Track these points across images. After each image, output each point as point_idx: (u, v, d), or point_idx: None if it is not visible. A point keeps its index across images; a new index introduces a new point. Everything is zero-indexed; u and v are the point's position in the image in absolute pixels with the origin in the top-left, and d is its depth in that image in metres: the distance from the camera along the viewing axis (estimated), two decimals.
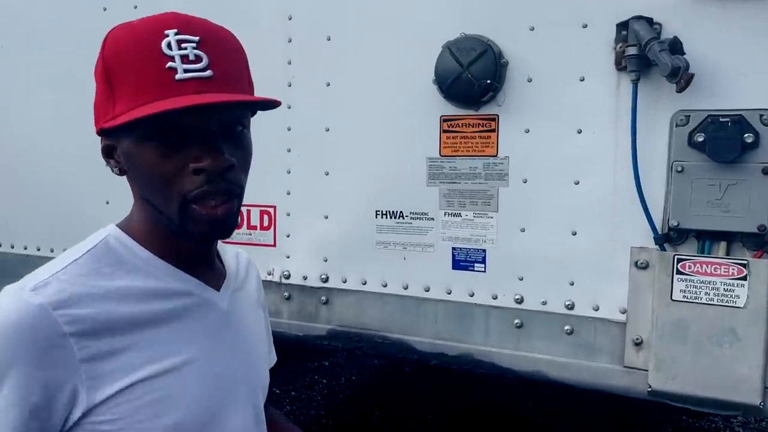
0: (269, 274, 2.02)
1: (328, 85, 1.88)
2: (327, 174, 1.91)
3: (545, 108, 1.64)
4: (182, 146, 0.77)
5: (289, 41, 1.92)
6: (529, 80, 1.65)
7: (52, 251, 2.30)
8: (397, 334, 1.86)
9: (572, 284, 1.65)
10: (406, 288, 1.84)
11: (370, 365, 4.20)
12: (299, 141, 1.94)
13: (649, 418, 3.45)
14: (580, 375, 1.66)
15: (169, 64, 0.76)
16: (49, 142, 2.28)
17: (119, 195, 1.04)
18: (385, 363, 3.88)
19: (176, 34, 0.77)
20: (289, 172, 1.97)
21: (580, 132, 1.61)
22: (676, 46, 1.43)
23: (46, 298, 0.75)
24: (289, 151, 1.96)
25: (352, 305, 1.92)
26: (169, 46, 0.76)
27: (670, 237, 1.53)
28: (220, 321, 0.91)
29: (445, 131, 1.75)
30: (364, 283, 1.89)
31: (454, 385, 3.39)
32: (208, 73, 0.78)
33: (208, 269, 0.93)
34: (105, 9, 2.12)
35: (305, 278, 1.97)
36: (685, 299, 1.49)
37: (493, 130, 1.70)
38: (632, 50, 1.49)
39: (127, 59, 0.78)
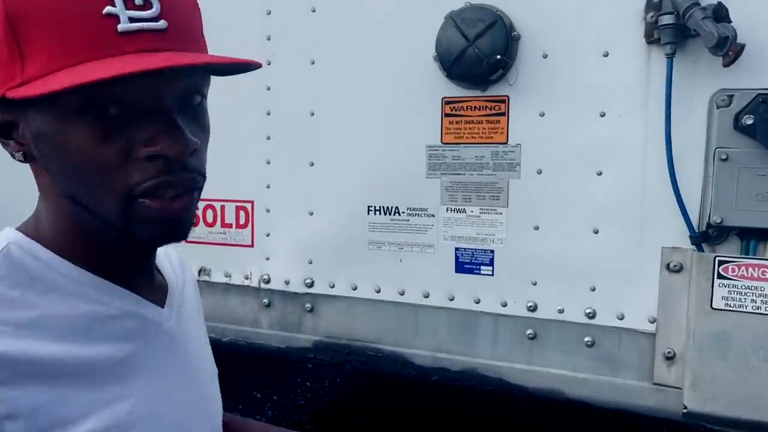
0: (246, 278, 1.79)
1: (313, 63, 1.65)
2: (312, 164, 1.68)
3: (563, 88, 1.43)
4: (127, 124, 0.58)
5: (268, 13, 1.69)
6: (545, 56, 1.44)
7: None
8: (392, 346, 1.64)
9: (593, 290, 1.45)
10: (402, 294, 1.62)
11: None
12: (280, 127, 1.71)
13: None
14: (603, 393, 1.45)
15: (108, 8, 0.55)
16: None
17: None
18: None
19: None
20: (268, 163, 1.73)
21: (603, 115, 1.40)
22: (720, 13, 1.23)
23: None
24: (268, 138, 1.73)
25: (341, 313, 1.70)
26: None
27: (708, 236, 1.33)
28: (167, 347, 0.71)
29: (447, 115, 1.53)
30: (355, 289, 1.67)
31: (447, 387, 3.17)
32: (161, 24, 0.58)
33: (147, 282, 0.72)
34: None
35: (287, 283, 1.75)
36: (728, 307, 1.29)
37: (502, 114, 1.49)
38: (667, 19, 1.28)
39: (46, 1, 0.55)
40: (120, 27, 0.56)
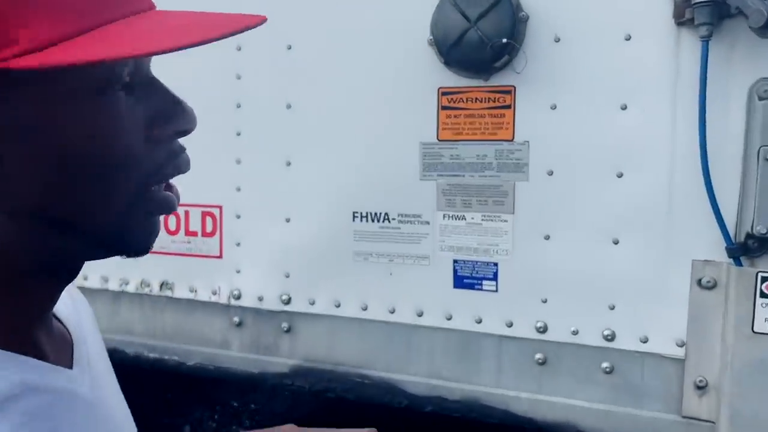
0: (214, 293, 1.58)
1: (290, 48, 1.45)
2: (288, 164, 1.47)
3: (578, 77, 1.24)
4: (142, 101, 0.52)
5: None
6: (557, 40, 1.25)
7: None
8: (381, 371, 1.44)
9: (612, 308, 1.26)
10: (392, 312, 1.42)
11: None
12: (252, 122, 1.50)
13: None
14: (623, 426, 1.27)
15: None
16: None
17: None
18: None
19: None
20: (239, 162, 1.52)
21: (624, 108, 1.22)
22: None
23: None
24: (238, 134, 1.52)
25: (323, 334, 1.49)
26: None
27: (748, 247, 1.15)
28: (84, 420, 0.52)
29: (444, 108, 1.34)
30: (338, 306, 1.47)
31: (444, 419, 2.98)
32: None
33: (47, 334, 0.53)
34: None
35: (261, 299, 1.54)
36: None
37: (508, 107, 1.29)
38: None
39: None
40: None
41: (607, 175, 1.24)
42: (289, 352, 1.52)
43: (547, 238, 1.29)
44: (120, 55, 0.43)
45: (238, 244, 1.55)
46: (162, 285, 1.63)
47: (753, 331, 1.13)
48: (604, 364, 1.28)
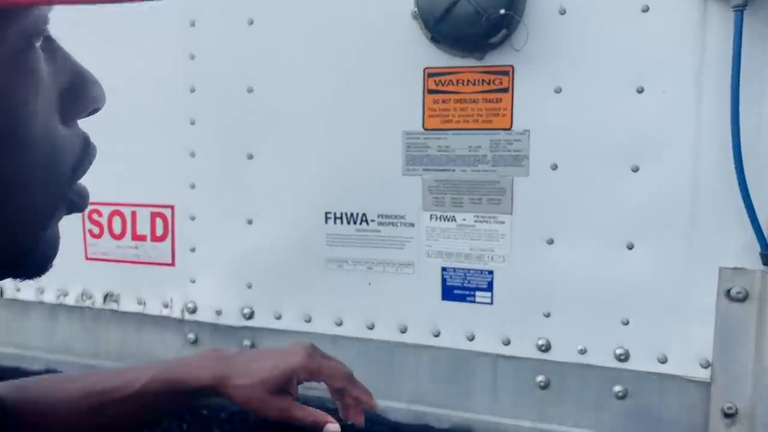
0: (166, 306, 1.37)
1: (252, 23, 1.25)
2: (250, 157, 1.28)
3: (587, 54, 1.07)
4: (53, 65, 0.40)
5: None
6: (562, 12, 1.07)
7: None
8: None
9: (626, 323, 1.09)
10: (371, 328, 1.24)
11: None
12: (208, 108, 1.30)
13: None
14: None
15: None
16: None
17: None
18: None
19: None
20: (193, 156, 1.32)
21: (641, 91, 1.05)
22: None
23: None
24: (192, 123, 1.31)
25: None
26: None
27: None
28: None
29: (431, 92, 1.15)
30: (309, 321, 1.28)
31: None
32: None
33: None
34: None
35: (219, 313, 1.33)
36: None
37: (505, 90, 1.12)
38: None
39: None
40: None
41: (621, 169, 1.07)
42: None
43: (551, 242, 1.12)
44: None
45: (193, 250, 1.34)
46: (106, 297, 1.42)
47: None
48: (617, 388, 1.11)
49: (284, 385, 0.81)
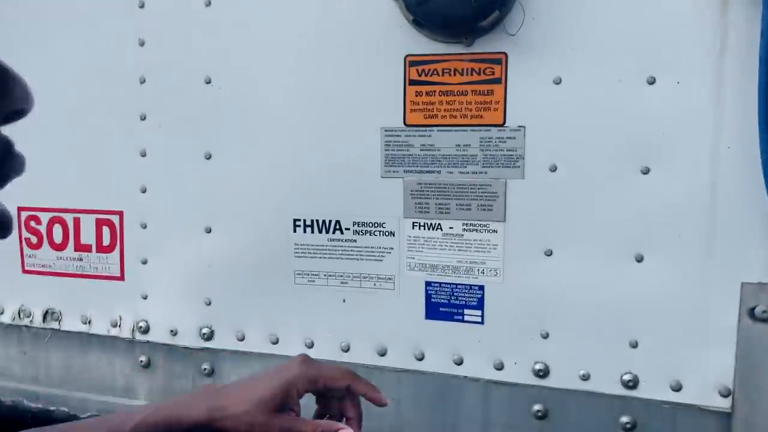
0: (114, 325, 1.22)
1: (209, 4, 1.10)
2: (209, 157, 1.13)
3: (591, 40, 0.94)
4: None
5: None
6: None
7: None
8: None
9: (635, 346, 0.97)
10: (346, 350, 1.10)
11: None
12: (160, 102, 1.15)
13: None
14: None
15: None
16: None
17: None
18: None
19: None
20: (143, 155, 1.16)
21: (652, 82, 0.92)
22: None
23: None
24: (143, 118, 1.16)
25: None
26: None
27: None
28: None
29: (413, 83, 1.01)
30: (275, 342, 1.13)
31: None
32: None
33: None
34: None
35: (174, 333, 1.18)
36: None
37: (497, 81, 0.98)
38: None
39: None
40: None
41: (629, 170, 0.94)
42: None
43: (549, 253, 0.99)
44: None
45: (145, 262, 1.19)
46: (46, 314, 1.26)
47: None
48: (624, 419, 0.98)
49: (285, 402, 0.71)
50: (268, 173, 1.09)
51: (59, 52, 1.15)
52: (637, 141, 0.93)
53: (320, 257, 1.09)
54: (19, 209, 1.24)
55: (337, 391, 0.77)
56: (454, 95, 1.00)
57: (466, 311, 1.04)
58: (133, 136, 1.16)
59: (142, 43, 1.14)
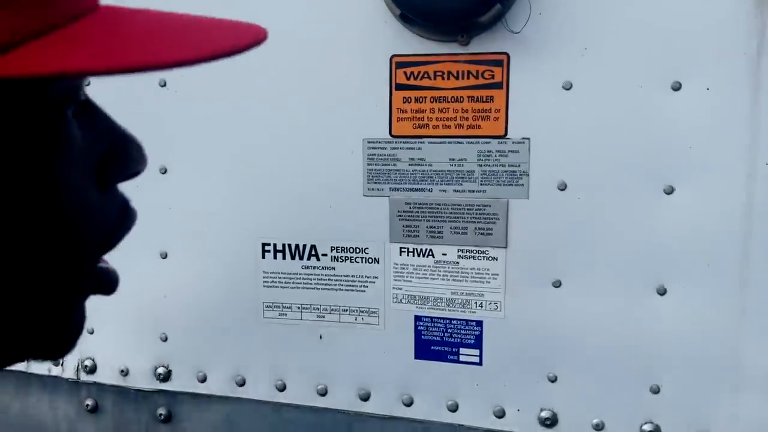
0: (56, 364, 1.06)
1: None
2: (164, 171, 0.98)
3: (606, 40, 0.82)
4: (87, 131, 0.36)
5: None
6: None
7: None
8: None
9: (656, 391, 0.84)
10: (323, 394, 0.96)
11: None
12: (108, 107, 0.98)
13: None
14: None
15: None
16: None
17: None
18: None
19: None
20: None
21: (677, 89, 0.80)
22: None
23: None
24: None
25: (219, 425, 1.01)
26: None
27: None
28: None
29: (400, 87, 0.88)
30: (242, 384, 0.99)
31: None
32: None
33: None
34: None
35: (125, 373, 1.03)
36: None
37: (498, 86, 0.85)
38: None
39: None
40: None
41: (650, 190, 0.82)
42: None
43: (557, 284, 0.86)
44: (111, 65, 0.27)
45: None
46: None
47: None
48: None
49: None
50: (233, 190, 0.95)
51: None
52: (659, 156, 0.81)
53: (293, 287, 0.95)
54: None
55: None
56: (448, 102, 0.87)
57: (461, 350, 0.90)
58: None
59: None
